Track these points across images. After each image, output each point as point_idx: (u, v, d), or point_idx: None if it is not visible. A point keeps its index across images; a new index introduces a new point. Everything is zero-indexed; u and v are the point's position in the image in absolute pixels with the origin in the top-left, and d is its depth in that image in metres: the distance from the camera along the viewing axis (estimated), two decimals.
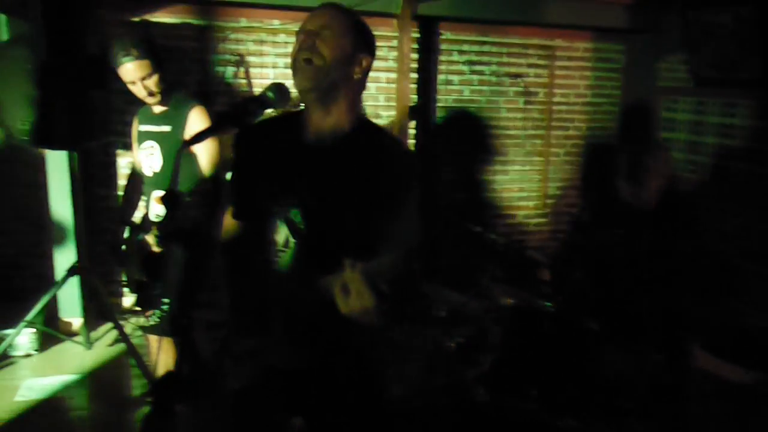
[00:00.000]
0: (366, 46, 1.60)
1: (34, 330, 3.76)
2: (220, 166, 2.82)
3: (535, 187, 5.23)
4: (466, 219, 3.56)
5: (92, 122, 3.46)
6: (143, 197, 3.04)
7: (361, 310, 1.28)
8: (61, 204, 3.94)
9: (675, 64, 4.71)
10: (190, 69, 4.24)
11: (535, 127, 5.13)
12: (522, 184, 5.19)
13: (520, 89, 5.03)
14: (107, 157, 4.29)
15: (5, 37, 3.32)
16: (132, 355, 3.52)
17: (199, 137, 1.42)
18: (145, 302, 2.81)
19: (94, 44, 3.38)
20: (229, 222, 1.75)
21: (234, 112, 1.46)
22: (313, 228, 1.59)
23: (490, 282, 3.26)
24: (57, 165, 3.89)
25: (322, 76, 1.50)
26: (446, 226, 4.28)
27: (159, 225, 2.75)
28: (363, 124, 1.67)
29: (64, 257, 3.92)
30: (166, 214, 1.37)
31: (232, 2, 4.21)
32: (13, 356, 3.71)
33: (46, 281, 3.88)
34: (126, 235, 2.95)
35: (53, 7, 3.11)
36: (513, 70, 4.97)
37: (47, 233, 4.05)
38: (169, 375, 1.20)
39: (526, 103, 5.07)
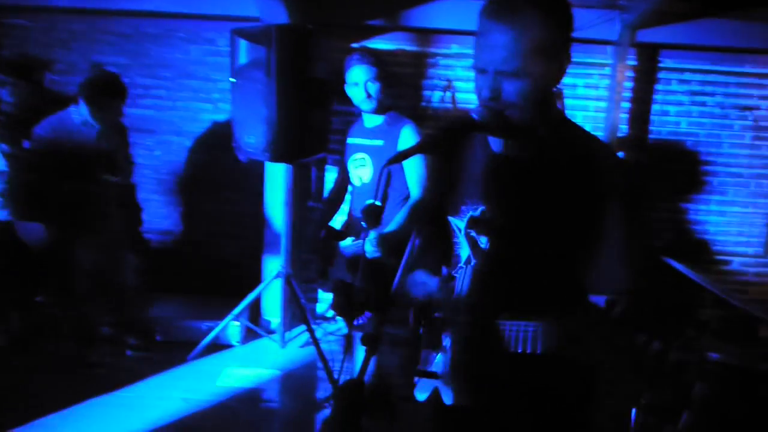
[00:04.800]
0: (560, 29, 1.31)
1: (239, 324, 4.12)
2: (429, 186, 2.91)
3: (757, 232, 4.66)
4: (673, 260, 3.26)
5: (310, 139, 3.74)
6: (345, 206, 3.23)
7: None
8: (275, 212, 4.29)
9: None
10: (404, 93, 4.44)
11: (764, 166, 4.59)
12: (742, 227, 4.66)
13: (748, 123, 4.53)
14: (319, 171, 4.63)
15: (244, 60, 3.70)
16: (320, 358, 3.72)
17: (402, 156, 1.43)
18: (344, 305, 2.94)
19: (318, 68, 3.66)
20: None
21: (438, 135, 1.42)
22: (498, 249, 1.42)
23: (697, 333, 2.93)
24: (274, 176, 4.25)
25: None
26: (652, 266, 3.95)
27: (376, 235, 2.89)
28: (561, 125, 1.42)
29: (273, 261, 4.26)
30: (370, 225, 1.38)
31: (444, 30, 4.33)
32: (220, 345, 4.09)
33: (257, 281, 4.24)
34: (324, 237, 3.18)
35: (285, 36, 3.43)
36: (742, 102, 4.50)
37: (261, 238, 4.45)
38: (353, 383, 1.17)
39: (755, 138, 4.55)
